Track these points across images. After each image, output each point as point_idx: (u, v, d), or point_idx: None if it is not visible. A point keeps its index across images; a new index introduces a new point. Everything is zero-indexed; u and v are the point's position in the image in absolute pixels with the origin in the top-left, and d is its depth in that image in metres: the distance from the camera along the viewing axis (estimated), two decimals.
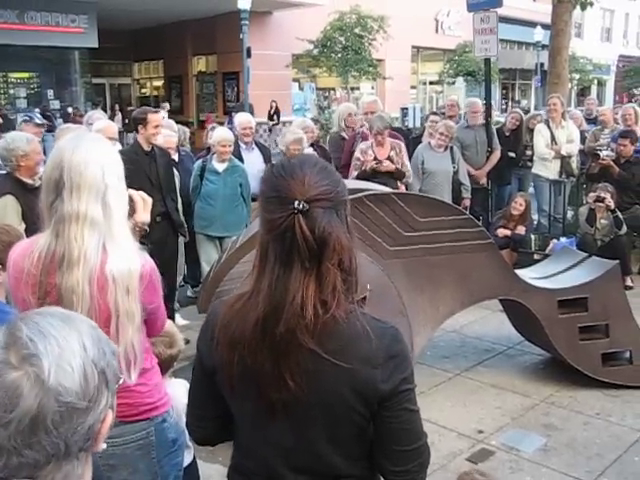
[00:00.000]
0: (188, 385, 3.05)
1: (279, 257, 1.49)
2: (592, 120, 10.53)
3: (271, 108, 20.99)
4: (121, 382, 1.18)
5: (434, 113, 10.15)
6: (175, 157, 6.73)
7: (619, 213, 7.20)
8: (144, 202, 2.39)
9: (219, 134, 6.61)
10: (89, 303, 2.06)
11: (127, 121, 19.43)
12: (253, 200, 6.69)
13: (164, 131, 6.17)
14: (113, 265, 2.07)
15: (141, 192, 2.42)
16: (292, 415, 1.53)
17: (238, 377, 1.54)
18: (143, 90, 27.67)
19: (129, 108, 22.36)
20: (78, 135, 2.30)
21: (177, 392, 2.65)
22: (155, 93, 26.93)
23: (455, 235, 4.51)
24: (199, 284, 6.93)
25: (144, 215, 2.38)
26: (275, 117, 20.45)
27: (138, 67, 27.06)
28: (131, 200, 2.32)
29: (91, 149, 2.13)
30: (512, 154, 8.96)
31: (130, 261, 2.11)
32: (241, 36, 16.85)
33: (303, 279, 1.47)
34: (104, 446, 1.15)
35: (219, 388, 1.63)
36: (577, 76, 29.67)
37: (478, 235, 4.62)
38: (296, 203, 1.44)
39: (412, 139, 8.74)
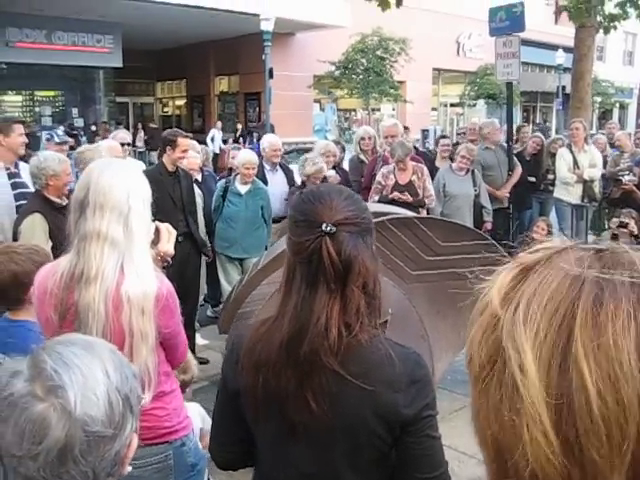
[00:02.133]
0: (201, 408, 3.08)
1: (305, 279, 1.52)
2: (613, 144, 10.50)
3: (236, 131, 20.74)
4: (143, 402, 1.20)
5: (443, 137, 10.15)
6: (199, 177, 6.78)
7: None
8: (169, 234, 2.44)
9: (244, 156, 6.60)
10: (104, 321, 2.09)
11: (149, 138, 19.65)
12: (275, 222, 6.71)
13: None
14: (129, 286, 2.10)
15: (167, 225, 2.47)
16: (313, 438, 1.54)
17: (261, 400, 1.56)
18: (165, 109, 27.96)
19: (151, 125, 22.59)
20: (107, 161, 2.37)
21: (191, 416, 2.66)
22: (177, 112, 27.20)
23: (477, 260, 4.50)
24: (219, 304, 6.95)
25: (168, 246, 2.43)
26: (242, 140, 19.62)
27: (161, 86, 27.37)
28: (157, 230, 2.36)
29: (119, 172, 2.18)
30: (532, 179, 8.94)
31: (146, 283, 2.13)
32: (263, 57, 17.00)
33: (328, 300, 1.49)
34: (129, 469, 1.17)
35: (243, 412, 1.64)
36: (599, 99, 29.57)
37: (500, 261, 4.61)
38: (324, 226, 1.48)
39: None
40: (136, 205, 2.15)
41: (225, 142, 19.00)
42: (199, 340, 6.15)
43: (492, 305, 0.67)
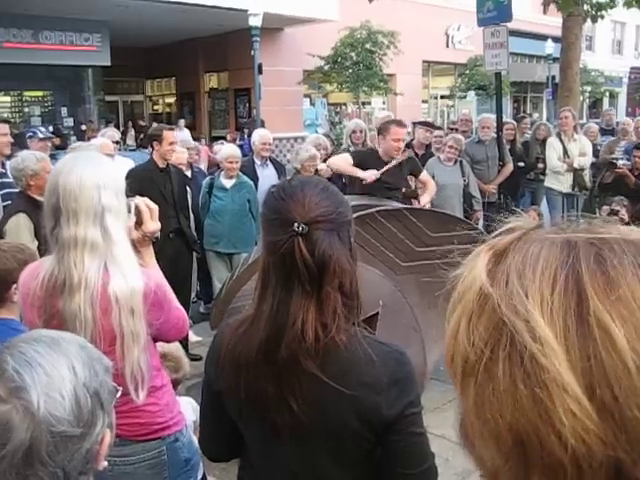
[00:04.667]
0: (194, 403, 3.07)
1: (280, 280, 1.48)
2: (609, 131, 10.49)
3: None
4: (118, 395, 1.17)
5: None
6: (188, 173, 6.77)
7: (634, 226, 7.15)
8: (150, 211, 2.34)
9: (226, 150, 6.66)
10: (92, 326, 2.07)
11: (142, 137, 19.58)
12: None
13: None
14: (116, 286, 2.07)
15: (146, 199, 2.37)
16: (298, 439, 1.53)
17: (244, 401, 1.55)
18: (155, 107, 27.85)
19: (141, 123, 22.50)
20: (73, 156, 2.29)
21: (184, 410, 2.66)
22: (167, 110, 27.10)
23: (467, 250, 4.50)
24: (211, 300, 6.95)
25: (152, 224, 2.34)
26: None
27: (150, 84, 27.24)
28: (137, 210, 2.31)
29: (85, 171, 2.10)
30: (521, 163, 8.93)
31: (133, 280, 2.10)
32: (252, 53, 16.94)
33: (304, 302, 1.46)
34: (105, 464, 1.14)
35: (227, 410, 1.64)
36: (589, 89, 29.60)
37: None
38: (295, 225, 1.43)
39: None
40: (109, 202, 2.10)
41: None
42: (192, 337, 6.13)
43: (478, 284, 0.64)
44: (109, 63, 18.54)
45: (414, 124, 8.87)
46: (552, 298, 0.59)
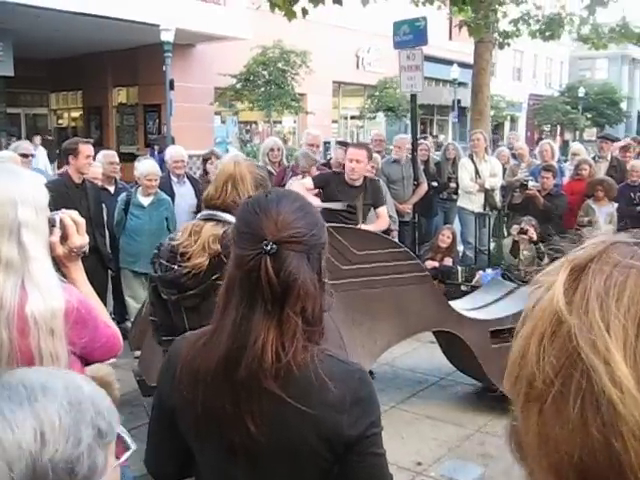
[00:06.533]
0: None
1: (244, 295, 1.44)
2: (513, 155, 10.94)
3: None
4: (124, 460, 0.98)
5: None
6: (111, 189, 6.57)
7: (541, 245, 7.46)
8: (77, 224, 2.22)
9: (145, 168, 6.43)
10: (9, 348, 1.93)
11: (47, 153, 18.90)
12: None
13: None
14: (34, 306, 1.95)
15: (72, 212, 2.24)
16: (253, 459, 1.48)
17: (201, 416, 1.49)
18: (60, 121, 26.99)
19: (47, 137, 21.75)
20: None
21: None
22: (73, 124, 26.31)
23: (392, 268, 4.56)
24: (124, 320, 6.76)
25: (79, 238, 2.20)
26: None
27: (56, 97, 26.40)
28: (63, 224, 2.19)
29: (1, 184, 1.97)
30: (434, 183, 9.16)
31: (52, 299, 1.99)
32: (164, 68, 16.71)
33: (265, 322, 1.42)
34: None
35: (179, 427, 1.58)
36: (492, 112, 30.80)
37: (414, 267, 4.69)
38: (264, 243, 1.40)
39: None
40: (27, 217, 1.97)
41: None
42: None
43: (554, 307, 0.59)
44: (12, 73, 17.82)
45: (338, 143, 8.96)
46: (638, 341, 0.54)
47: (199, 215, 2.86)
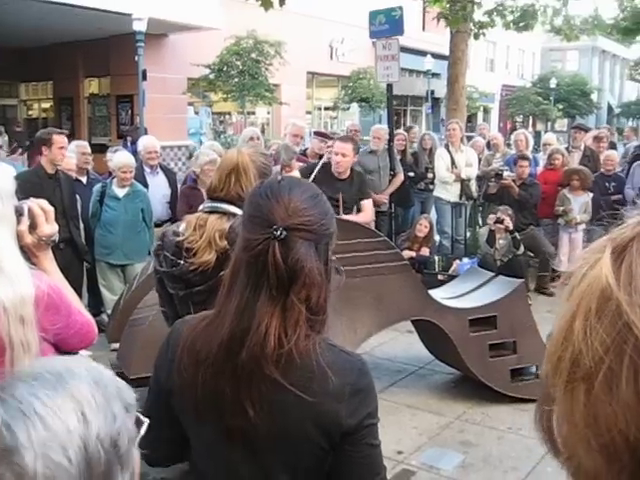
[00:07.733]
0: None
1: (250, 279, 1.44)
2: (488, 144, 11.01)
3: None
4: (142, 431, 0.98)
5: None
6: (83, 180, 6.48)
7: (517, 234, 7.53)
8: (45, 213, 2.19)
9: (120, 159, 6.36)
10: None
11: (15, 144, 18.57)
12: (157, 225, 6.53)
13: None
14: (2, 294, 1.92)
15: (40, 201, 2.21)
16: (250, 444, 1.48)
17: (201, 399, 1.49)
18: (30, 112, 26.57)
19: (17, 129, 21.40)
20: None
21: None
22: (44, 115, 25.92)
23: (371, 257, 4.56)
24: (100, 313, 6.69)
25: (48, 227, 2.17)
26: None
27: (25, 88, 26.00)
28: (31, 213, 2.15)
29: None
30: (411, 173, 9.18)
31: (21, 286, 1.96)
32: (136, 58, 16.50)
33: (269, 307, 1.42)
34: None
35: (176, 411, 1.57)
36: (465, 103, 30.98)
37: (394, 257, 4.69)
38: (274, 228, 1.39)
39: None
40: None
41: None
42: (82, 351, 5.85)
43: (601, 284, 0.58)
44: None
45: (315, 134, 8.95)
46: None
47: (202, 207, 2.79)
